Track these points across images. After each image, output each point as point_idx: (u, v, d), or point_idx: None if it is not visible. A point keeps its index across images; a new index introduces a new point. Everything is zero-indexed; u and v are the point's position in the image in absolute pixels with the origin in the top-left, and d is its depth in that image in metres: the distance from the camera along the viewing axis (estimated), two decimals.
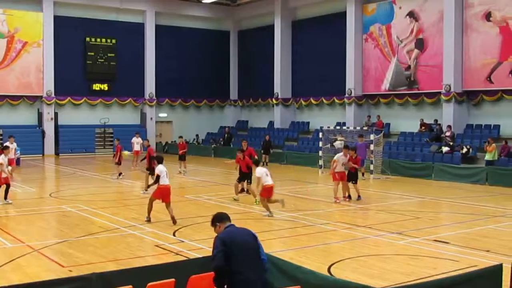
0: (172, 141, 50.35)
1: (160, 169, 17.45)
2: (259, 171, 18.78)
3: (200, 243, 14.56)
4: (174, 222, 17.08)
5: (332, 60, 43.65)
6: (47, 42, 44.96)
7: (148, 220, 17.47)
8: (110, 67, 48.00)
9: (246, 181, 22.69)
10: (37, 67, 44.84)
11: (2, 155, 20.86)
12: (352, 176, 22.52)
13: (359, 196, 22.41)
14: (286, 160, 39.22)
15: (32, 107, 45.69)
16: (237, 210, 19.73)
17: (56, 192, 24.11)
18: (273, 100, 48.16)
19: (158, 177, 17.25)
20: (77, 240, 15.05)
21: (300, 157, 38.60)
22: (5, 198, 20.75)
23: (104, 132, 48.41)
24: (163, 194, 17.19)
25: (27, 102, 45.32)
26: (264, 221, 17.94)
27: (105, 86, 48.33)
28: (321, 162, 34.02)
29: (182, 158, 31.82)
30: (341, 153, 22.20)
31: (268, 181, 18.89)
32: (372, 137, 31.68)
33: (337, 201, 21.78)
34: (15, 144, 31.70)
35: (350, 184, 22.66)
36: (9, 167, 22.01)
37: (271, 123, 49.24)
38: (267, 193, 18.85)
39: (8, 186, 20.79)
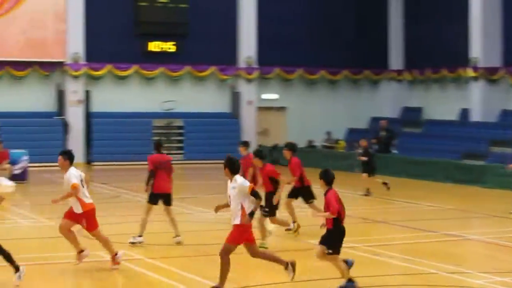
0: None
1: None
2: None
3: None
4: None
5: None
6: None
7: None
8: (178, 14, 35.63)
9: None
10: (56, 14, 34.00)
11: None
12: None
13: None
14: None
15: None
16: None
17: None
18: (468, 71, 33.96)
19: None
20: None
21: None
22: None
23: (169, 126, 35.92)
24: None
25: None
26: None
27: (170, 46, 35.78)
28: None
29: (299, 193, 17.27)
30: None
31: None
32: None
33: None
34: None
35: None
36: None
37: (464, 113, 34.78)
38: None
39: None
